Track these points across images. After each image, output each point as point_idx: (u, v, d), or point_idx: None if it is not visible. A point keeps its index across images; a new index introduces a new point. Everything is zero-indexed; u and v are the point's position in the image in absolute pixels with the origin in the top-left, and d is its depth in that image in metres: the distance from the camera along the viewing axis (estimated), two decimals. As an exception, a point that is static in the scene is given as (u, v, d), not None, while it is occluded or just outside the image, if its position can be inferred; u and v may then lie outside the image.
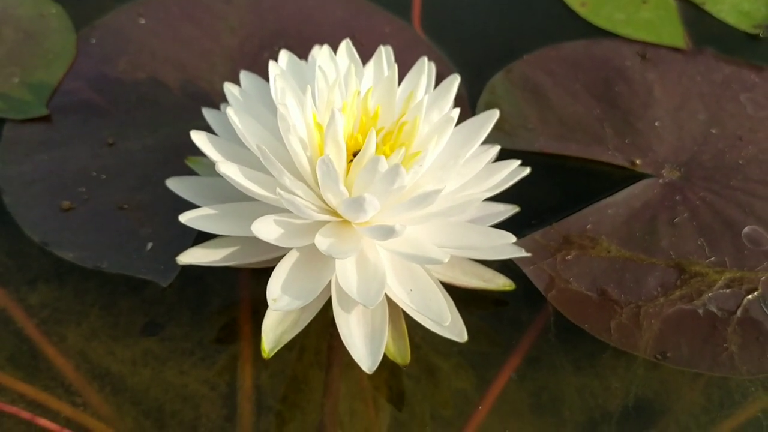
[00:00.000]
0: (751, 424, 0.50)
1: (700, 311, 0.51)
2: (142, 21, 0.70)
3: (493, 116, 0.50)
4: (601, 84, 0.66)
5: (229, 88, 0.51)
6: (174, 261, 0.53)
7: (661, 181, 0.59)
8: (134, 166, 0.59)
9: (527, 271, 0.53)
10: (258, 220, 0.42)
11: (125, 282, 0.55)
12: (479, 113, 0.64)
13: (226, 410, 0.51)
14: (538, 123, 0.63)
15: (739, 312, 0.51)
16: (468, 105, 0.66)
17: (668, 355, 0.50)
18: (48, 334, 0.53)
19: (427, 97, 0.47)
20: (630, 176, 0.60)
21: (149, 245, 0.54)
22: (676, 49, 0.70)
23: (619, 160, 0.61)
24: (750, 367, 0.49)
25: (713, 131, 0.63)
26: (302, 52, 0.69)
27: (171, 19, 0.71)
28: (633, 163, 0.60)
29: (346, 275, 0.43)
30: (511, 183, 0.50)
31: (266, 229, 0.43)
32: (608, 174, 0.61)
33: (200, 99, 0.64)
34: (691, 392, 0.51)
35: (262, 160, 0.43)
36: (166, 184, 0.50)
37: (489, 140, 0.61)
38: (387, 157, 0.46)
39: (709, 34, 0.73)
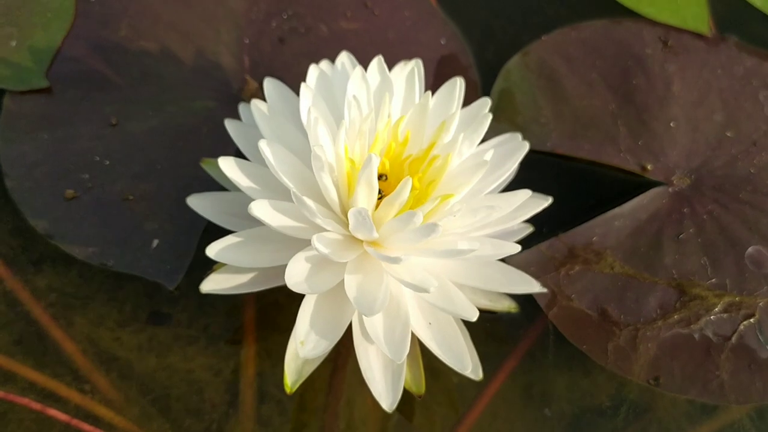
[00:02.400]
0: (732, 427, 0.53)
1: (696, 336, 0.52)
2: (144, -22, 0.66)
3: (522, 149, 0.50)
4: (619, 74, 0.64)
5: (257, 105, 0.49)
6: (180, 261, 0.54)
7: (670, 189, 0.59)
8: (138, 150, 0.58)
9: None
10: (289, 268, 0.43)
11: (130, 268, 0.55)
12: (492, 101, 0.63)
13: (229, 396, 0.53)
14: (551, 117, 0.62)
15: (733, 338, 0.52)
16: (480, 90, 0.64)
17: (661, 380, 0.51)
18: (55, 318, 0.54)
19: (462, 135, 0.46)
20: (640, 183, 0.59)
21: (155, 242, 0.54)
22: (699, 36, 0.67)
23: (630, 164, 0.60)
24: (738, 395, 0.51)
25: (728, 134, 0.62)
26: (311, 21, 0.66)
27: (173, -27, 0.67)
28: (644, 168, 0.60)
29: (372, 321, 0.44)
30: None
31: (297, 274, 0.43)
32: (618, 179, 0.61)
33: (205, 73, 0.62)
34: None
35: (295, 202, 0.43)
36: (187, 202, 0.49)
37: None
38: (415, 189, 0.45)
39: (734, 16, 0.71)
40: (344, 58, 0.52)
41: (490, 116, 0.48)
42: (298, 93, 0.49)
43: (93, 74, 0.61)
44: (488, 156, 0.46)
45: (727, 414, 0.53)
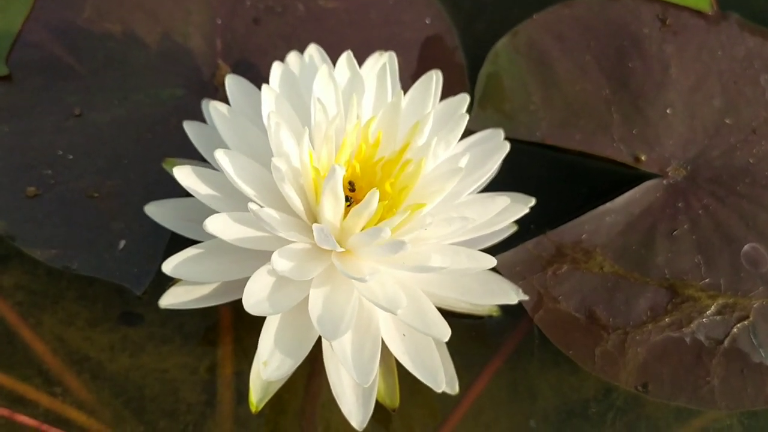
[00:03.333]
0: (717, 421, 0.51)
1: (688, 340, 0.50)
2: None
3: (502, 149, 0.47)
4: (613, 56, 0.61)
5: (216, 107, 0.46)
6: (148, 264, 0.52)
7: (665, 182, 0.56)
8: (103, 143, 0.55)
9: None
10: (248, 287, 0.40)
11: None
12: (479, 86, 0.60)
13: (206, 396, 0.51)
14: (541, 104, 0.59)
15: (726, 342, 0.50)
16: (467, 75, 0.61)
17: (649, 387, 0.49)
18: (24, 318, 0.52)
19: (435, 139, 0.43)
20: (634, 175, 0.57)
21: (122, 243, 0.52)
22: (700, 13, 0.64)
23: (623, 155, 0.57)
24: (729, 402, 0.49)
25: (727, 121, 0.58)
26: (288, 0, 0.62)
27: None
28: (638, 159, 0.57)
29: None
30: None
31: (258, 292, 0.40)
32: (611, 171, 0.58)
33: (173, 58, 0.59)
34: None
35: (254, 217, 0.40)
36: (145, 210, 0.47)
37: (487, 124, 0.57)
38: (387, 195, 0.43)
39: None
40: (313, 50, 0.49)
41: (467, 117, 0.45)
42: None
43: (55, 60, 0.57)
44: (463, 162, 0.43)
45: (716, 411, 0.51)
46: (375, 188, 0.40)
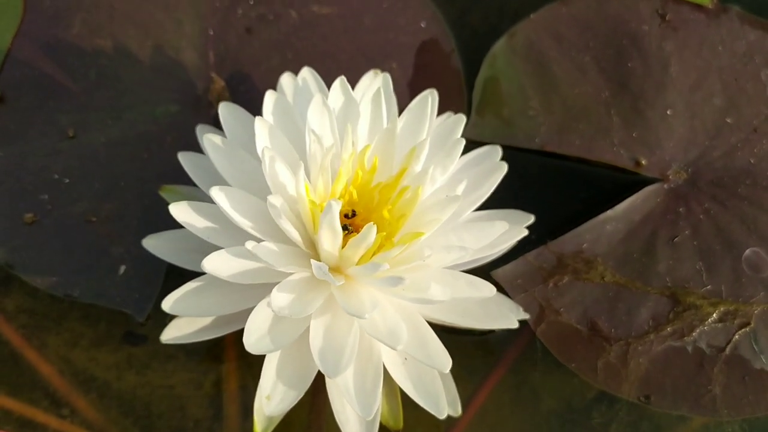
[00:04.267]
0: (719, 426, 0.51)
1: (689, 348, 0.50)
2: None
3: (500, 170, 0.47)
4: (613, 56, 0.60)
5: (210, 138, 0.45)
6: (149, 288, 0.51)
7: (666, 186, 0.56)
8: (99, 165, 0.54)
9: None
10: (248, 326, 0.40)
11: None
12: (477, 92, 0.59)
13: (213, 411, 0.52)
14: (540, 108, 0.58)
15: (728, 349, 0.50)
16: (464, 80, 0.60)
17: (651, 398, 0.50)
18: (28, 340, 0.52)
19: (432, 167, 0.43)
20: (634, 181, 0.56)
21: (122, 268, 0.52)
22: (700, 7, 0.62)
23: (623, 159, 0.56)
24: (731, 410, 0.49)
25: (728, 120, 0.58)
26: (280, 7, 0.62)
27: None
28: (638, 164, 0.56)
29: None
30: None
31: (258, 329, 0.41)
32: (611, 178, 0.57)
33: (166, 72, 0.58)
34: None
35: (253, 255, 0.40)
36: (143, 244, 0.46)
37: (486, 132, 0.57)
38: (385, 223, 0.43)
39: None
40: (306, 74, 0.48)
41: (463, 141, 0.45)
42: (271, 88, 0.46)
43: (46, 78, 0.56)
44: (460, 189, 0.43)
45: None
46: (372, 222, 0.40)
